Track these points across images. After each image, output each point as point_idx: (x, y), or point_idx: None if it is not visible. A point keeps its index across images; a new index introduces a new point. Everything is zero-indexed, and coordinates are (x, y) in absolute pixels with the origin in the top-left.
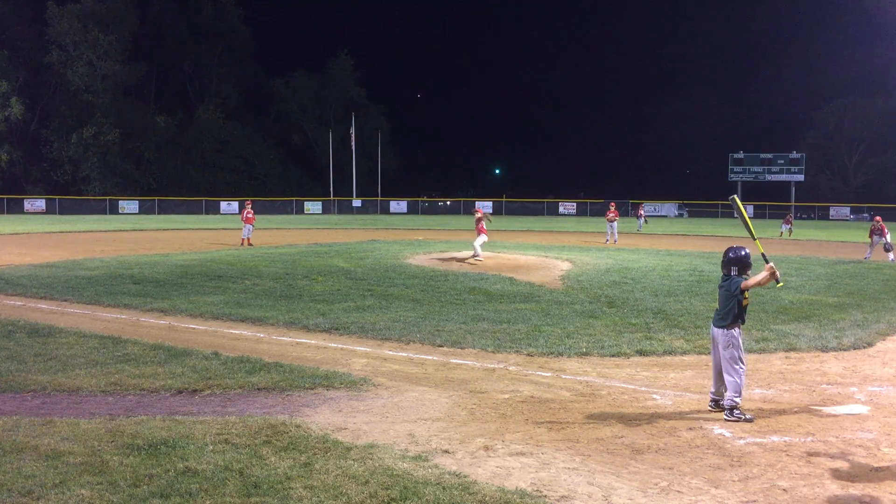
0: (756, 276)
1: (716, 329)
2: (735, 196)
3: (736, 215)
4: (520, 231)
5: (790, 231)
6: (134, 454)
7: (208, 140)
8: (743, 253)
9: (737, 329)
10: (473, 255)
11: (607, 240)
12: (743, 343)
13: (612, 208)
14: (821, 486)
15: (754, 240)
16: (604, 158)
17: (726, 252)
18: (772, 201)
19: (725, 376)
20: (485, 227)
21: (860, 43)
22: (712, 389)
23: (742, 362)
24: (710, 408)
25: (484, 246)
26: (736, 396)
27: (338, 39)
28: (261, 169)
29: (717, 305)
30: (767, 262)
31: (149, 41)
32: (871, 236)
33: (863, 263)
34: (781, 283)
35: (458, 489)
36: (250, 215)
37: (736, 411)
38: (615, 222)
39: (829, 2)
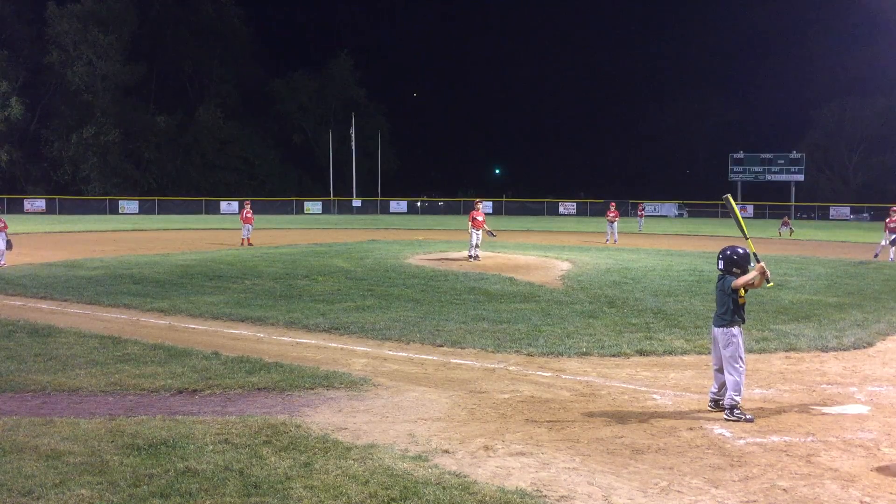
0: (746, 276)
1: (716, 328)
2: (728, 195)
3: (729, 214)
4: (520, 231)
5: (790, 231)
6: (134, 454)
7: (208, 140)
8: (740, 251)
9: (736, 328)
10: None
11: (607, 240)
12: (743, 342)
13: (613, 208)
14: (821, 486)
15: (746, 238)
16: (604, 158)
17: (722, 251)
18: (772, 201)
19: (726, 375)
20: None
21: (860, 43)
22: (713, 389)
23: (742, 361)
24: (709, 407)
25: (487, 246)
26: (736, 395)
27: (338, 39)
28: (261, 169)
29: (715, 305)
30: (758, 261)
31: (149, 41)
32: (885, 230)
33: (863, 263)
34: (772, 284)
35: (458, 489)
36: (249, 215)
37: (736, 411)
38: (615, 222)
39: (829, 2)
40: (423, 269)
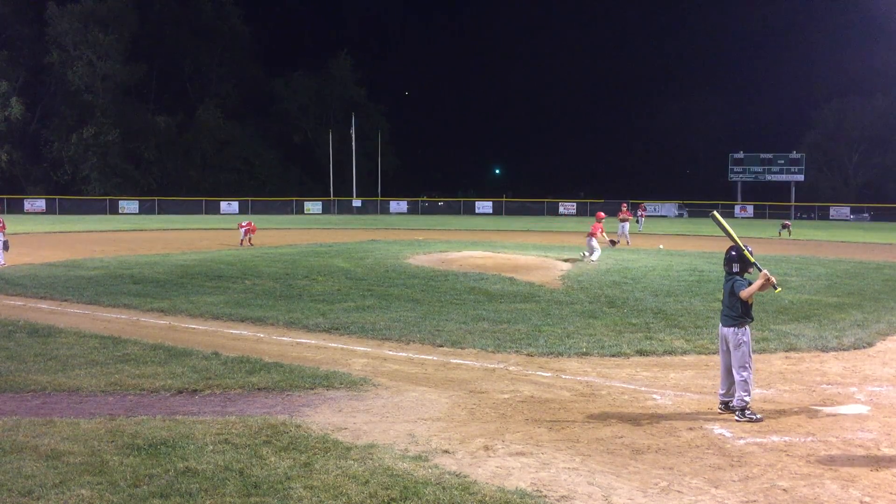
0: (752, 287)
1: (725, 329)
2: (714, 212)
3: (720, 230)
4: (520, 231)
5: (789, 231)
6: (134, 454)
7: (208, 140)
8: (746, 249)
9: (747, 327)
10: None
11: (619, 239)
12: (751, 342)
13: (624, 209)
14: (821, 486)
15: (743, 251)
16: (604, 158)
17: (728, 250)
18: (772, 201)
19: (736, 376)
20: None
21: (860, 43)
22: (721, 391)
23: (751, 361)
24: (719, 410)
25: (486, 246)
26: (746, 396)
27: (338, 39)
28: (261, 169)
29: (719, 305)
30: (760, 270)
31: (149, 41)
32: None
33: (863, 263)
34: (779, 290)
35: (458, 489)
36: (248, 226)
37: (748, 412)
38: (626, 223)
39: (829, 2)
40: (423, 269)
